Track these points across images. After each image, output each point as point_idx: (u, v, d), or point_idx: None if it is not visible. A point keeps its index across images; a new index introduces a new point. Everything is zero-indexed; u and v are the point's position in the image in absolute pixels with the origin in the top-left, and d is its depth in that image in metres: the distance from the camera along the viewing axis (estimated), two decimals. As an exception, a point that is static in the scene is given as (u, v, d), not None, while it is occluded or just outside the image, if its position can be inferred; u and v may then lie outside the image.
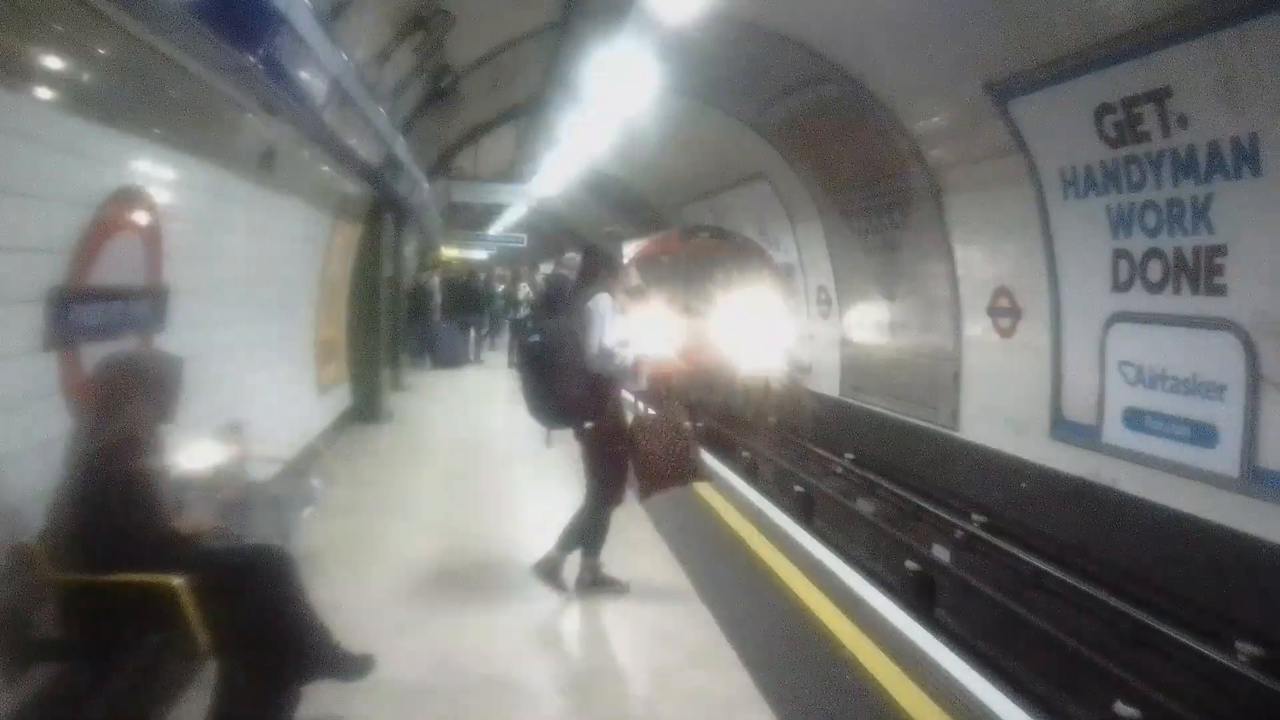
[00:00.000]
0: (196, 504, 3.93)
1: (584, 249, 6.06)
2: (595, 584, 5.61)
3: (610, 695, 4.43)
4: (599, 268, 5.69)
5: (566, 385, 5.40)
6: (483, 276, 24.70)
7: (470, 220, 30.13)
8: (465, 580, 5.86)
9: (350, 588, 5.45)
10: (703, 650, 4.86)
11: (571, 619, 5.35)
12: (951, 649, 4.89)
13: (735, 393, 17.03)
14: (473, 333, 21.67)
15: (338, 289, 10.77)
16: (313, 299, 9.54)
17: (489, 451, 10.57)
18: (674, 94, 14.38)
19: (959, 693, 4.34)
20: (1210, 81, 7.34)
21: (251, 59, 4.46)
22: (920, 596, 9.32)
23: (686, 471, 5.72)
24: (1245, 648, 6.86)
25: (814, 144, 14.71)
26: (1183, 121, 7.77)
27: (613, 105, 11.97)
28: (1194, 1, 7.11)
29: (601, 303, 5.44)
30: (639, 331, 11.28)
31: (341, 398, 11.17)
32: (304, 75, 5.38)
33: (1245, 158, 7.30)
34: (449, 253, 26.22)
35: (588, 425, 5.51)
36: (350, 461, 9.30)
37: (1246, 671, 6.70)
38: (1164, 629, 7.49)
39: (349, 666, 3.89)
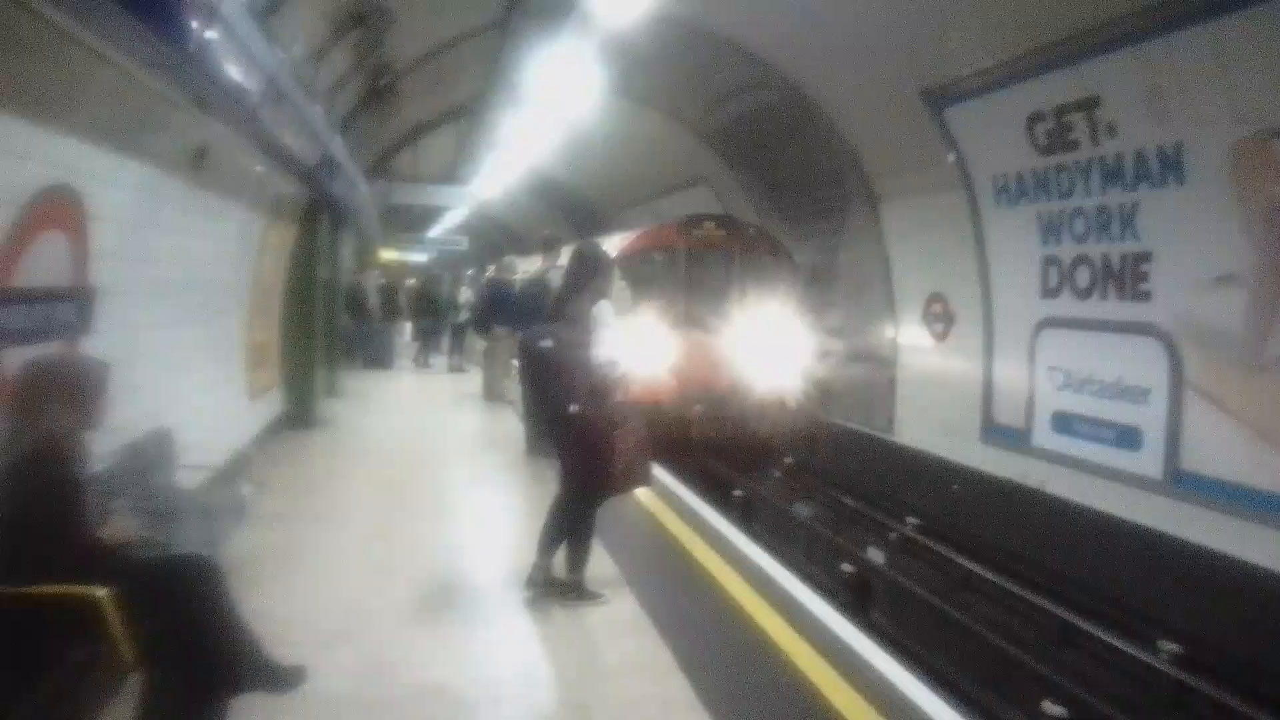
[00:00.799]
0: (121, 513, 3.81)
1: (574, 252, 5.93)
2: (578, 597, 5.56)
3: (547, 702, 4.40)
4: (590, 271, 5.63)
5: (572, 391, 5.37)
6: (447, 280, 24.48)
7: (410, 222, 29.78)
8: (401, 588, 5.76)
9: (282, 597, 5.32)
10: (640, 655, 4.85)
11: (509, 626, 5.30)
12: (885, 650, 4.94)
13: (749, 421, 13.07)
14: (419, 337, 21.54)
15: (271, 291, 10.55)
16: (245, 302, 9.33)
17: (427, 457, 10.45)
18: (616, 97, 14.38)
19: (892, 694, 4.38)
20: (1137, 91, 7.56)
21: (182, 53, 4.34)
22: (856, 599, 9.43)
23: (639, 478, 5.73)
24: (1167, 646, 7.05)
25: (755, 149, 14.83)
26: (1111, 130, 7.99)
27: (554, 107, 11.94)
28: (1122, 12, 7.32)
29: (605, 310, 5.48)
30: (626, 347, 10.25)
31: (274, 403, 10.95)
32: (237, 71, 5.26)
33: (1170, 166, 7.53)
34: (388, 255, 25.88)
35: (575, 413, 5.41)
36: (283, 468, 9.10)
37: (1168, 669, 6.90)
38: (1090, 629, 7.67)
39: (279, 678, 3.80)
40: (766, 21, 11.39)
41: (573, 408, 5.38)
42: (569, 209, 26.25)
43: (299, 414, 11.56)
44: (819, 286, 14.16)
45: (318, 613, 5.25)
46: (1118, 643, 7.35)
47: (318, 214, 11.92)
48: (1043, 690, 7.03)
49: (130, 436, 5.16)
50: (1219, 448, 7.40)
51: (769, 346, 13.03)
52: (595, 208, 24.68)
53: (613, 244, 13.60)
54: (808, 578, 6.43)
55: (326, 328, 13.41)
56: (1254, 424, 7.07)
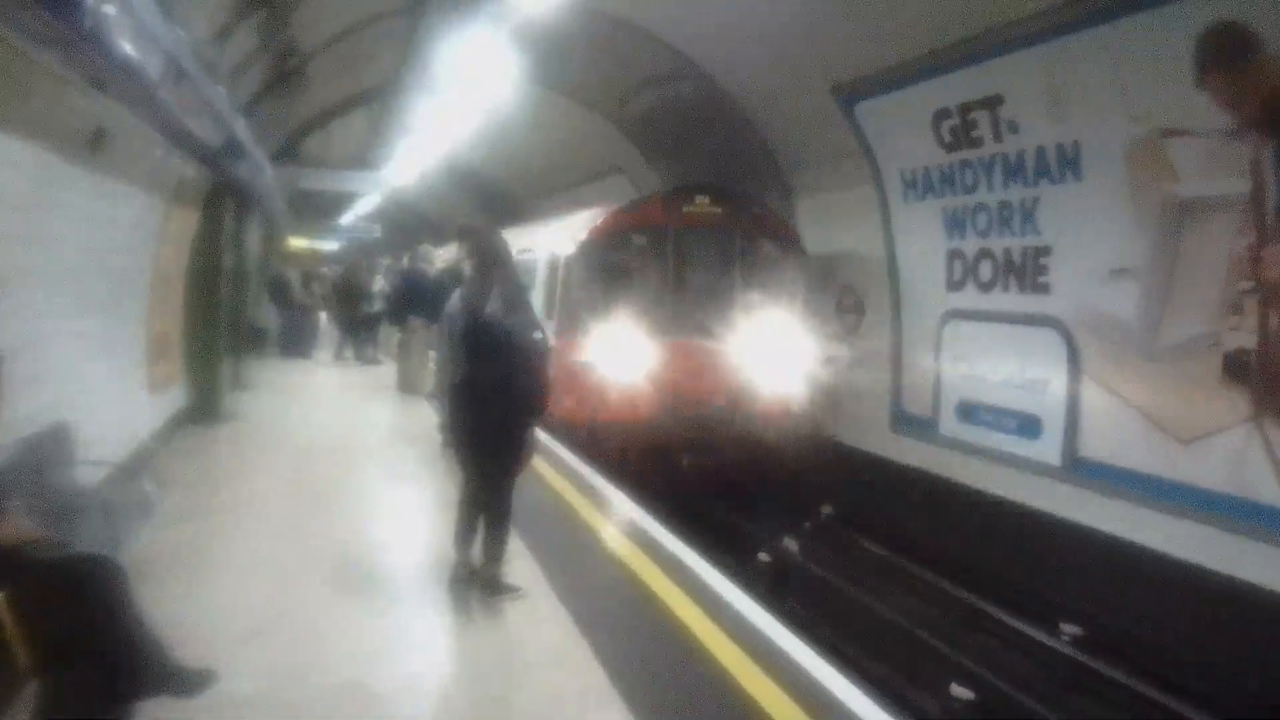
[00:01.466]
0: (16, 512, 3.64)
1: (475, 241, 5.91)
2: (496, 590, 5.52)
3: (465, 697, 4.37)
4: (493, 258, 5.65)
5: (523, 374, 5.41)
6: (365, 268, 23.88)
7: (321, 208, 29.06)
8: (314, 586, 5.64)
9: (189, 598, 5.17)
10: (558, 648, 4.85)
11: (426, 621, 5.24)
12: (800, 638, 5.02)
13: (753, 445, 10.55)
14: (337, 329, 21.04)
15: (173, 280, 10.19)
16: (146, 290, 8.99)
17: (340, 451, 10.23)
18: (534, 85, 14.26)
19: (807, 680, 4.47)
20: (1038, 91, 7.82)
21: (77, 29, 4.14)
22: (773, 587, 9.58)
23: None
24: (1068, 628, 7.34)
25: (671, 140, 14.89)
26: (1013, 128, 8.26)
27: (469, 93, 11.77)
28: (1024, 13, 7.56)
29: (519, 292, 5.66)
30: (605, 350, 10.22)
31: (177, 396, 10.58)
32: (135, 49, 5.04)
33: (1068, 163, 7.82)
34: (297, 243, 25.21)
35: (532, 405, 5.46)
36: (187, 464, 8.82)
37: (1068, 650, 7.18)
38: (995, 612, 7.93)
39: (186, 681, 3.69)
40: (682, 13, 11.44)
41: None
42: (487, 197, 25.97)
43: (203, 407, 11.19)
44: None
45: (227, 613, 5.10)
46: (1021, 626, 7.62)
47: (222, 199, 11.55)
48: (951, 673, 7.25)
49: (25, 431, 4.93)
50: (1114, 435, 7.73)
51: (777, 353, 10.77)
52: (513, 196, 24.47)
53: (574, 225, 12.01)
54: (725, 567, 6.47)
55: (232, 317, 13.00)
56: (1147, 412, 7.40)
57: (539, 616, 5.26)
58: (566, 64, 14.14)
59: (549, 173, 21.01)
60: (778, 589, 9.14)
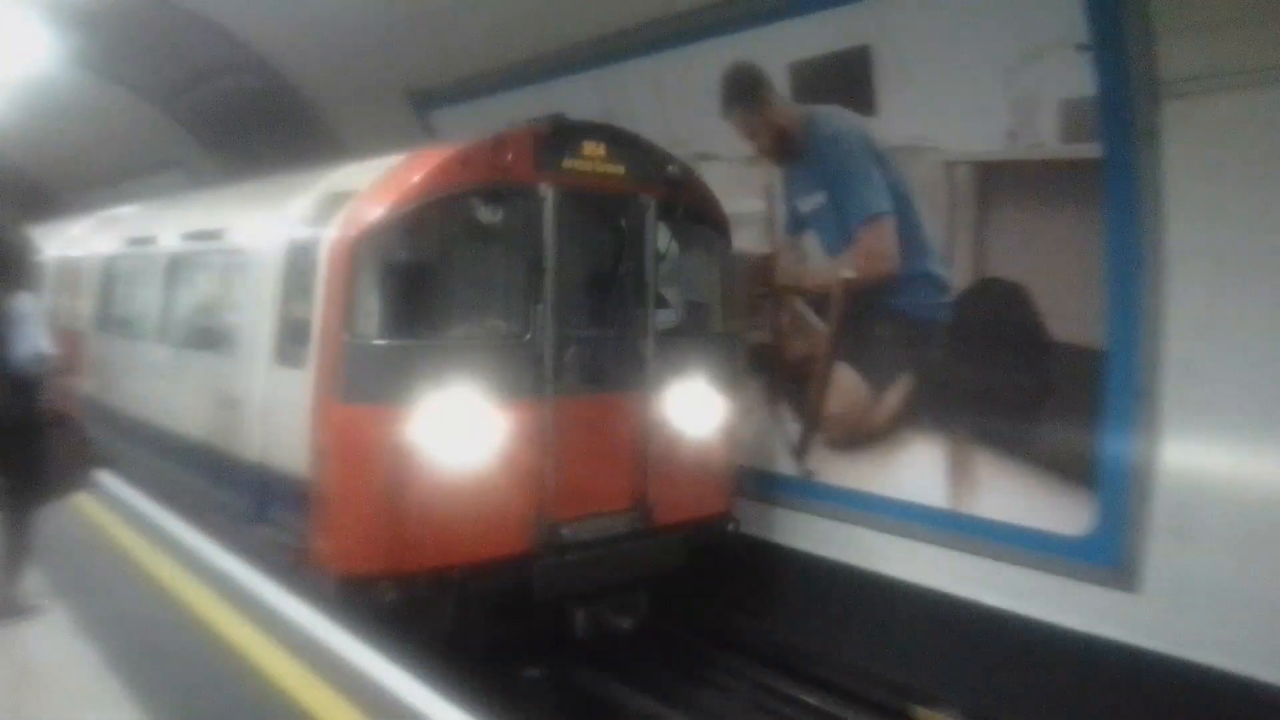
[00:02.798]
0: None
1: None
2: (14, 611, 4.94)
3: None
4: (10, 264, 5.11)
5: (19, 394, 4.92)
6: None
7: None
8: None
9: None
10: (75, 662, 4.48)
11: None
12: (357, 643, 4.75)
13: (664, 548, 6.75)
14: None
15: None
16: None
17: None
18: (75, 67, 12.70)
19: (368, 684, 4.33)
20: (595, 112, 8.45)
21: None
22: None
23: (78, 482, 5.44)
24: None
25: (236, 134, 14.01)
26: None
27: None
28: (583, 39, 8.15)
29: (28, 302, 5.11)
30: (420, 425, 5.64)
31: None
32: None
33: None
34: None
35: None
36: None
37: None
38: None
39: None
40: (246, 4, 10.81)
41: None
42: (13, 188, 22.56)
43: None
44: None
45: None
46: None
47: None
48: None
49: None
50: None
51: (710, 410, 7.00)
52: (48, 188, 21.55)
53: (335, 188, 6.61)
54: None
55: None
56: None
57: (65, 654, 4.67)
58: (115, 47, 12.76)
59: (93, 164, 18.81)
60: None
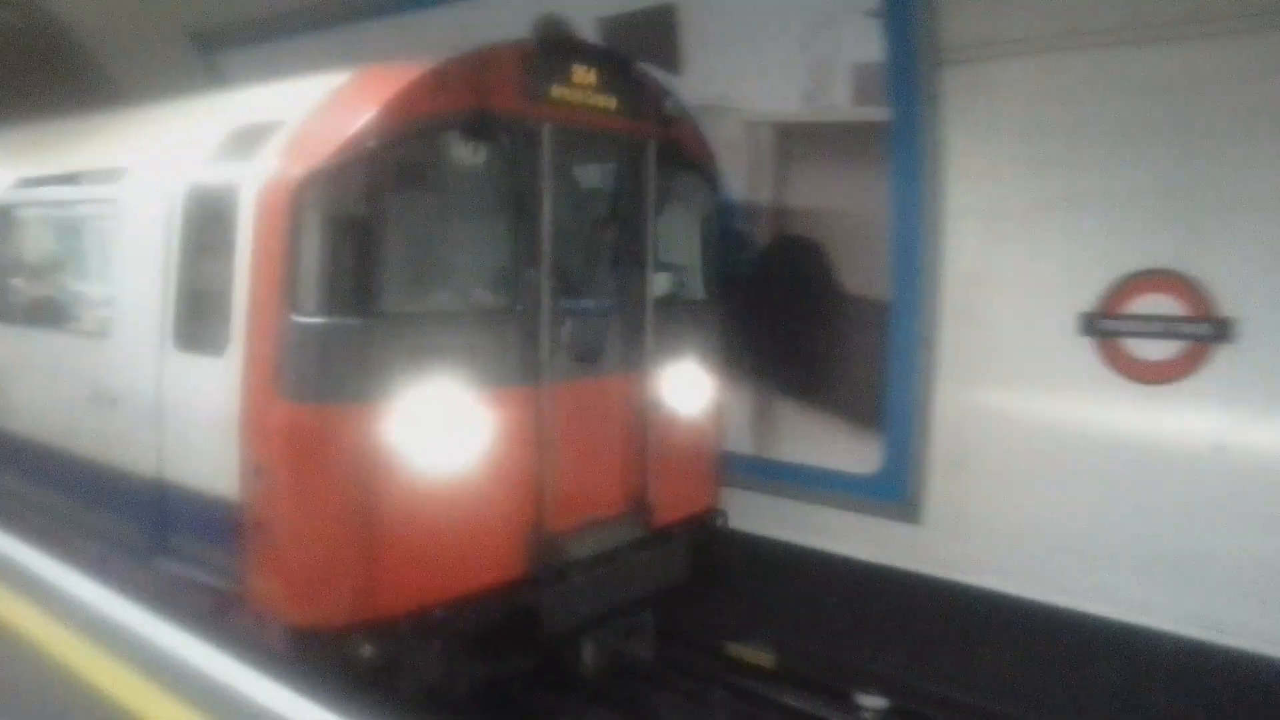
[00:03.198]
0: None
1: None
2: None
3: None
4: None
5: None
6: None
7: None
8: None
9: None
10: None
11: None
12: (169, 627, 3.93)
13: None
14: None
15: None
16: None
17: None
18: None
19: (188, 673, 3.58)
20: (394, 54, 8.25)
21: None
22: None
23: None
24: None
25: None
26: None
27: None
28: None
29: None
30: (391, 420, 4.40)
31: None
32: None
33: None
34: None
35: None
36: None
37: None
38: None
39: None
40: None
41: None
42: None
43: None
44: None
45: None
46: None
47: None
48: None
49: None
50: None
51: (694, 382, 6.01)
52: None
53: (274, 113, 4.95)
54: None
55: None
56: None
57: None
58: None
59: None
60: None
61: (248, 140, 4.84)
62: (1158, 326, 5.39)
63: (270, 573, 4.50)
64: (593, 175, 5.76)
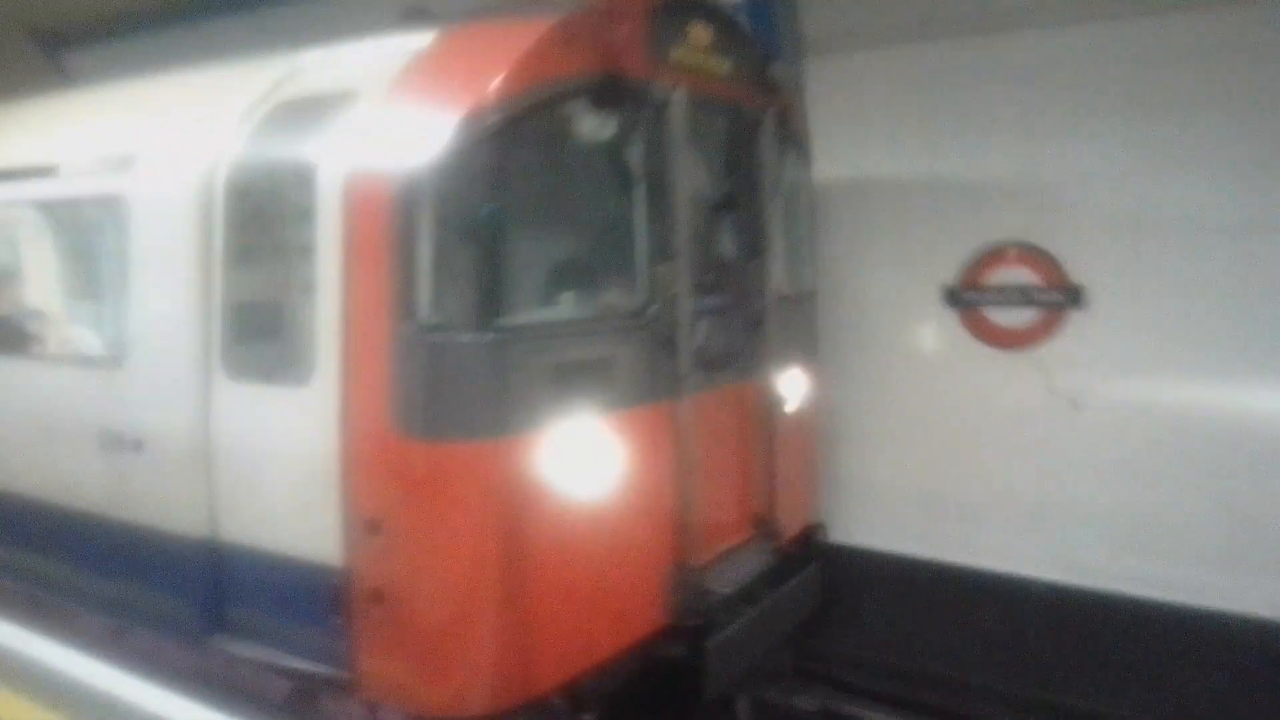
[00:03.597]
0: None
1: None
2: None
3: None
4: None
5: None
6: None
7: None
8: None
9: None
10: None
11: None
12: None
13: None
14: None
15: None
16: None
17: None
18: None
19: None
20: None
21: None
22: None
23: None
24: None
25: None
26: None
27: None
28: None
29: None
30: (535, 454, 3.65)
31: None
32: None
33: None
34: None
35: None
36: None
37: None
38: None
39: None
40: None
41: None
42: None
43: None
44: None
45: None
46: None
47: None
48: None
49: None
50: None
51: (802, 383, 5.40)
52: None
53: (342, 81, 4.05)
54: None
55: None
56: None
57: None
58: None
59: None
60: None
61: (309, 116, 3.93)
62: (1014, 296, 5.83)
63: (392, 652, 3.67)
64: (710, 151, 4.82)
